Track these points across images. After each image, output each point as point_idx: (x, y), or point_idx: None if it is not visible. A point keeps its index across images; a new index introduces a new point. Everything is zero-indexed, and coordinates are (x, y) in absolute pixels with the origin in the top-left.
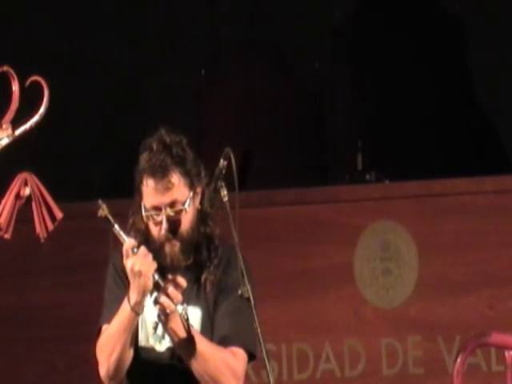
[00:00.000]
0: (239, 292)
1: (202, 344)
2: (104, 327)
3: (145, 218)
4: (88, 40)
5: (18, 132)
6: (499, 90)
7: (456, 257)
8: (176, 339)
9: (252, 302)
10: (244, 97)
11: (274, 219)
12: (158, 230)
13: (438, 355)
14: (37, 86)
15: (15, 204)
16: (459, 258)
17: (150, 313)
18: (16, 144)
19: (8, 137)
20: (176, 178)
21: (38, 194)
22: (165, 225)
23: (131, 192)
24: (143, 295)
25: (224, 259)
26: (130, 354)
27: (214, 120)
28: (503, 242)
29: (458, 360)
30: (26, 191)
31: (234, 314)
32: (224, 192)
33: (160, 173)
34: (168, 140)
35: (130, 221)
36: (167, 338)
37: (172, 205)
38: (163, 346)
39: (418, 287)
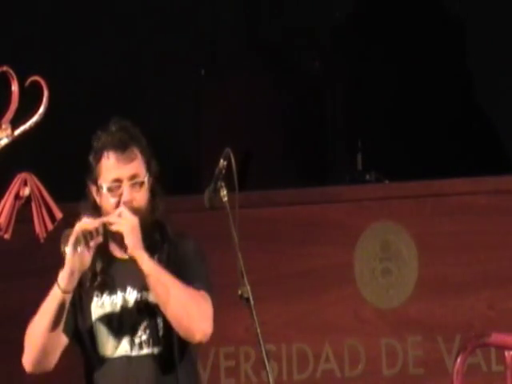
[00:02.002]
0: (239, 292)
1: (173, 280)
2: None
3: (105, 191)
4: (88, 40)
5: (17, 132)
6: (499, 90)
7: (456, 257)
8: (145, 269)
9: (252, 302)
10: (244, 97)
11: (274, 219)
12: (115, 204)
13: (437, 355)
14: (37, 86)
15: (15, 204)
16: (459, 258)
17: (103, 309)
18: (16, 144)
19: (8, 137)
20: (136, 153)
21: (37, 194)
22: (126, 193)
23: None
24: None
25: (175, 243)
26: (61, 338)
27: (213, 120)
28: (503, 242)
29: (458, 360)
30: (26, 191)
31: (194, 268)
32: (224, 192)
33: (122, 146)
34: (123, 123)
35: (82, 216)
36: (124, 330)
37: (132, 178)
38: (120, 338)
39: (418, 287)
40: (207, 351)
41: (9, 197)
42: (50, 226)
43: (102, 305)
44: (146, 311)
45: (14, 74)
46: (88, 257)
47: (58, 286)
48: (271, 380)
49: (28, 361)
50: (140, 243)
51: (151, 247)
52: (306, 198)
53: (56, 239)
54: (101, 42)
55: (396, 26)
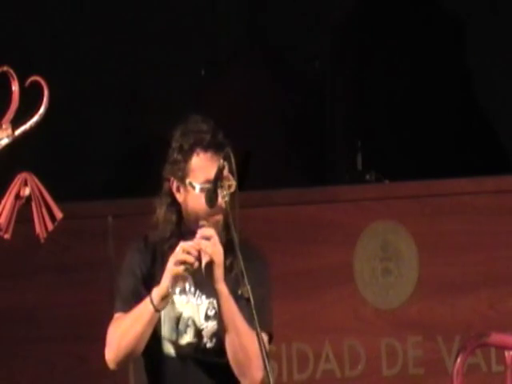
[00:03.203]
0: (239, 292)
1: (243, 323)
2: (117, 315)
3: (197, 191)
4: (88, 40)
5: (17, 132)
6: (499, 90)
7: (456, 257)
8: (223, 308)
9: (252, 302)
10: (244, 97)
11: (274, 219)
12: (203, 203)
13: (437, 355)
14: (37, 86)
15: (15, 204)
16: (459, 258)
17: (174, 308)
18: (16, 144)
19: (8, 137)
20: (230, 155)
21: (37, 194)
22: (224, 197)
23: (131, 192)
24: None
25: (246, 260)
26: (142, 346)
27: (213, 120)
28: (503, 242)
29: (458, 360)
30: (26, 191)
31: (263, 301)
32: (224, 192)
33: (214, 147)
34: (212, 123)
35: (159, 212)
36: (189, 332)
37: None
38: (185, 339)
39: (418, 287)
40: None
41: (9, 197)
42: (50, 226)
43: (172, 302)
44: (213, 320)
45: (14, 74)
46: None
47: (152, 302)
48: (271, 380)
49: (112, 360)
50: (222, 276)
51: (228, 251)
52: (305, 198)
53: (56, 239)
54: (101, 42)
55: (396, 26)
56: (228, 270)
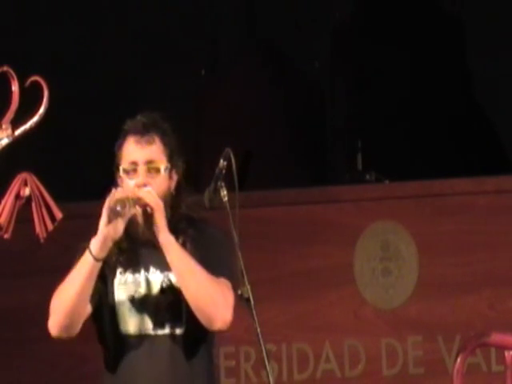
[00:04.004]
0: (239, 292)
1: (198, 266)
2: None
3: (121, 173)
4: (88, 40)
5: (17, 132)
6: (499, 90)
7: (456, 257)
8: (172, 256)
9: (252, 302)
10: (244, 97)
11: (274, 219)
12: (133, 187)
13: (437, 355)
14: (37, 86)
15: (15, 204)
16: (459, 258)
17: (128, 289)
18: (16, 144)
19: (8, 137)
20: (155, 138)
21: (37, 194)
22: (141, 177)
23: None
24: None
25: (201, 229)
26: (84, 306)
27: (214, 120)
28: (503, 242)
29: (458, 360)
30: (26, 191)
31: (220, 256)
32: (224, 192)
33: (142, 130)
34: (151, 113)
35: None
36: (146, 308)
37: (147, 162)
38: (142, 317)
39: (418, 287)
40: None
41: (9, 197)
42: (50, 226)
43: (125, 282)
44: (170, 292)
45: (14, 74)
46: (121, 225)
47: (90, 252)
48: (271, 380)
49: (55, 325)
50: (166, 225)
51: (176, 231)
52: (305, 198)
53: (56, 239)
54: (101, 42)
55: (396, 26)
56: (176, 234)
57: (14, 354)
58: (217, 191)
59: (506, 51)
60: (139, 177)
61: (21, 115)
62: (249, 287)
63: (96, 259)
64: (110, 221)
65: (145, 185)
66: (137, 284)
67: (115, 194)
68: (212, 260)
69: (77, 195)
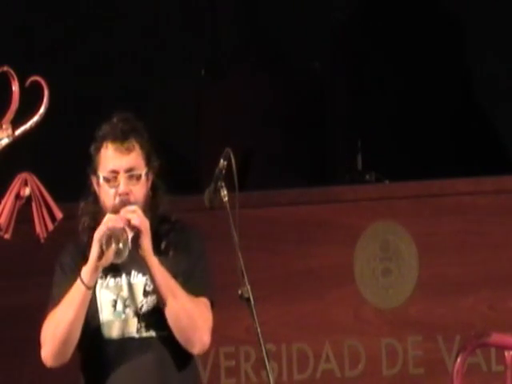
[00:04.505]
0: (239, 292)
1: (180, 290)
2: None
3: (101, 181)
4: (88, 40)
5: (18, 132)
6: (499, 90)
7: (456, 257)
8: (156, 277)
9: (252, 302)
10: (244, 97)
11: (274, 219)
12: (113, 195)
13: (437, 355)
14: (37, 86)
15: (15, 204)
16: (459, 258)
17: (109, 293)
18: (16, 144)
19: (8, 137)
20: (135, 145)
21: (37, 194)
22: (122, 185)
23: None
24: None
25: (180, 231)
26: (77, 334)
27: (214, 120)
28: (503, 242)
29: (458, 360)
30: (26, 191)
31: (196, 269)
32: (224, 192)
33: (121, 137)
34: (126, 115)
35: (81, 205)
36: (128, 312)
37: (128, 170)
38: (124, 320)
39: (418, 287)
40: (207, 351)
41: (9, 197)
42: (51, 226)
43: (107, 286)
44: (153, 294)
45: (14, 74)
46: (112, 254)
47: (82, 281)
48: (271, 380)
49: (50, 355)
50: (151, 246)
51: (158, 236)
52: (305, 198)
53: (56, 239)
54: (101, 42)
55: (396, 26)
56: (163, 252)
57: (14, 353)
58: (217, 191)
59: (506, 51)
60: (120, 185)
61: (21, 115)
62: (249, 287)
63: (88, 288)
64: (101, 254)
65: (126, 193)
66: (119, 288)
67: (106, 224)
68: (192, 274)
69: (76, 195)
